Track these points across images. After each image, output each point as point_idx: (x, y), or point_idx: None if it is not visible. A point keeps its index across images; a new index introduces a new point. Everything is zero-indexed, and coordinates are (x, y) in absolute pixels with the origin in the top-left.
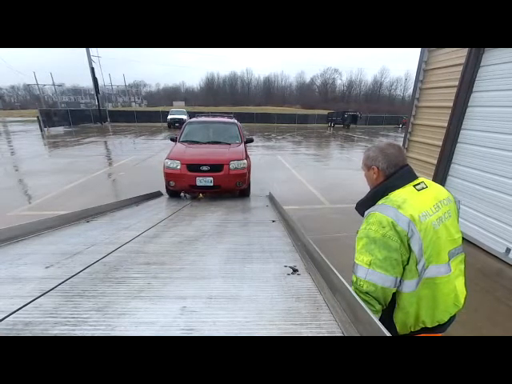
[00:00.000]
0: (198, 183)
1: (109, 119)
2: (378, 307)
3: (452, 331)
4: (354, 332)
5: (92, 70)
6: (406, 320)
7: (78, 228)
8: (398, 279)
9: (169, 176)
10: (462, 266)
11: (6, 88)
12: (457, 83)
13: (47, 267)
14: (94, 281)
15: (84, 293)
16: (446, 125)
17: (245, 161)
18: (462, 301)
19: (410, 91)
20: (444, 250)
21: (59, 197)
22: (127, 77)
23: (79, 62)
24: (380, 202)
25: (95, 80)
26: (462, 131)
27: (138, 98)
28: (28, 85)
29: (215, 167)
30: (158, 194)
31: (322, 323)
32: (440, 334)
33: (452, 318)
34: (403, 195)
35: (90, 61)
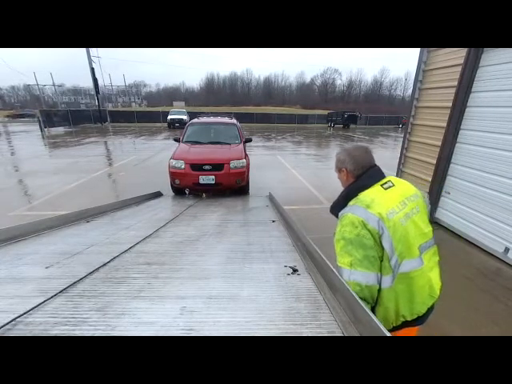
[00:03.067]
0: (201, 181)
1: (109, 119)
2: (368, 306)
3: (451, 331)
4: (354, 332)
5: (92, 70)
6: (387, 315)
7: (78, 228)
8: (379, 275)
9: (174, 175)
10: (436, 259)
11: (6, 88)
12: (456, 83)
13: (47, 267)
14: (94, 281)
15: (84, 293)
16: (445, 125)
17: (244, 160)
18: (438, 292)
19: (410, 91)
20: (414, 244)
21: (60, 197)
22: (127, 77)
23: (79, 62)
24: (351, 203)
25: (95, 80)
26: (461, 131)
27: (138, 98)
28: (28, 85)
29: (217, 166)
30: (158, 194)
31: (322, 323)
32: (417, 328)
33: (430, 309)
34: (371, 195)
35: (90, 61)
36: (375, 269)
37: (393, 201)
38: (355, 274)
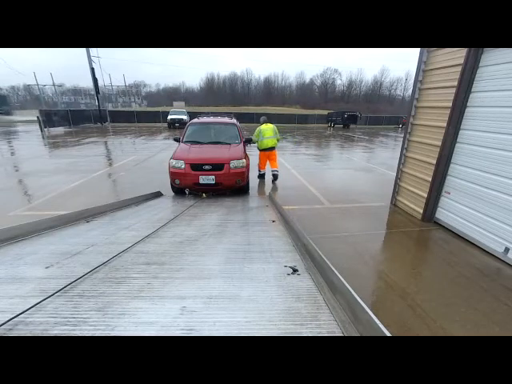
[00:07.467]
0: (201, 181)
1: (109, 119)
2: (255, 140)
3: (451, 330)
4: (354, 332)
5: (92, 70)
6: (259, 146)
7: (78, 228)
8: (258, 138)
9: (174, 175)
10: (273, 140)
11: (6, 88)
12: (456, 83)
13: (47, 267)
14: (94, 281)
15: (84, 293)
16: (445, 125)
17: (244, 160)
18: (270, 145)
19: (410, 91)
20: (266, 134)
21: (60, 197)
22: (127, 77)
23: (79, 62)
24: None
25: (95, 80)
26: (460, 131)
27: (138, 99)
28: (28, 85)
29: (217, 166)
30: (157, 195)
31: (322, 323)
32: (269, 152)
33: (269, 148)
34: (261, 126)
35: (90, 61)
36: (257, 136)
37: (266, 126)
38: (254, 137)
